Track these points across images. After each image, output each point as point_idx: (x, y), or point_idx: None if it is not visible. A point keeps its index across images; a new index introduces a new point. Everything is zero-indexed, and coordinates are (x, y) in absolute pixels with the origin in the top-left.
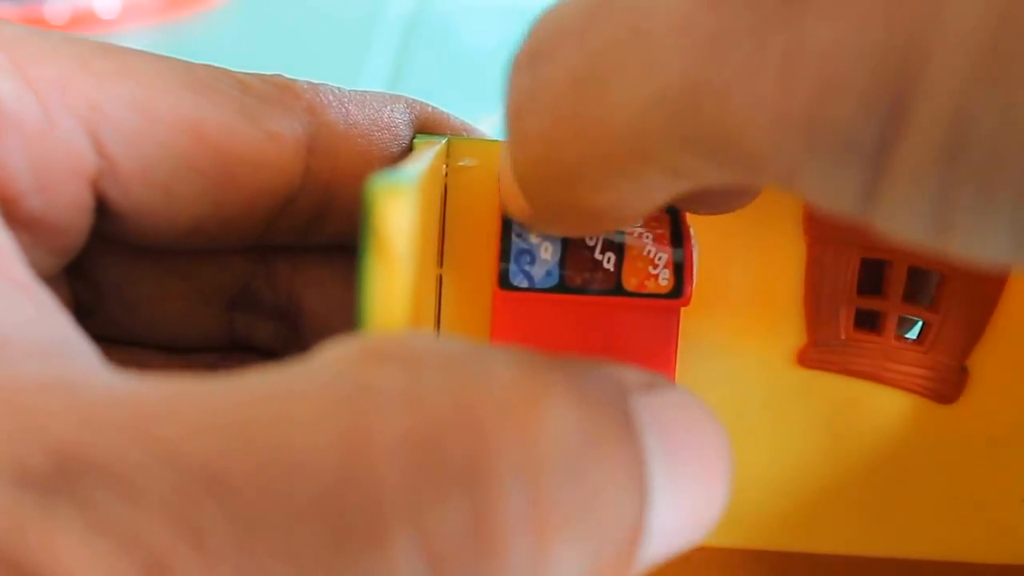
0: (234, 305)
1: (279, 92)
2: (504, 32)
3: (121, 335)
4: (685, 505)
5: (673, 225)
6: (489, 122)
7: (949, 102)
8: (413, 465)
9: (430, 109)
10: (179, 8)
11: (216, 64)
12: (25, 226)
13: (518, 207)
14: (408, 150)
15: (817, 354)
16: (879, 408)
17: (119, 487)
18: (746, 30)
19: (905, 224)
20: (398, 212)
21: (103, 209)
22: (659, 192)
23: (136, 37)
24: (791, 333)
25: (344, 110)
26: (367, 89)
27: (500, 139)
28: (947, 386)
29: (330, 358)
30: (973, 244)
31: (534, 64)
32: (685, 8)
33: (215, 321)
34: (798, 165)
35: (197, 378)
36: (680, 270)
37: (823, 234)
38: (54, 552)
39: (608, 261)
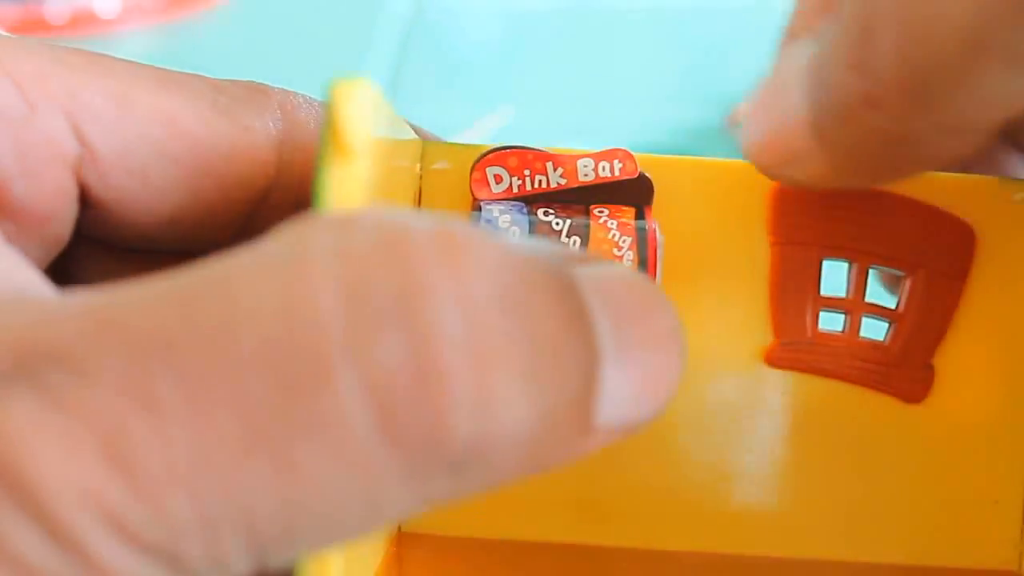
0: None
1: (251, 92)
2: (503, 33)
3: None
4: (638, 372)
5: (637, 212)
6: (488, 122)
7: None
8: (349, 306)
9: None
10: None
11: (216, 63)
12: (11, 214)
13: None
14: None
15: (784, 353)
16: (847, 407)
17: (73, 367)
18: None
19: None
20: (355, 106)
21: (84, 201)
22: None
23: (136, 37)
24: (758, 332)
25: (315, 112)
26: None
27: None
28: (914, 384)
29: (274, 237)
30: None
31: None
32: None
33: None
34: None
35: (153, 276)
36: (643, 252)
37: (787, 235)
38: (9, 433)
39: (573, 244)
